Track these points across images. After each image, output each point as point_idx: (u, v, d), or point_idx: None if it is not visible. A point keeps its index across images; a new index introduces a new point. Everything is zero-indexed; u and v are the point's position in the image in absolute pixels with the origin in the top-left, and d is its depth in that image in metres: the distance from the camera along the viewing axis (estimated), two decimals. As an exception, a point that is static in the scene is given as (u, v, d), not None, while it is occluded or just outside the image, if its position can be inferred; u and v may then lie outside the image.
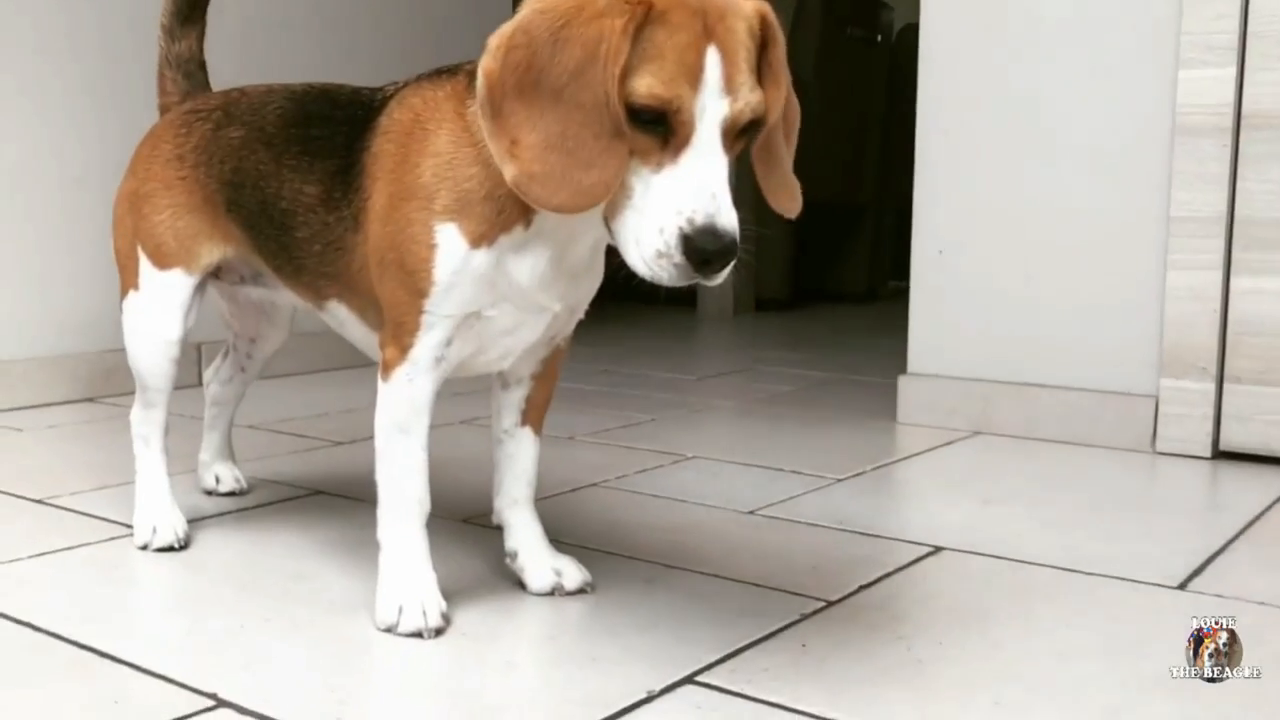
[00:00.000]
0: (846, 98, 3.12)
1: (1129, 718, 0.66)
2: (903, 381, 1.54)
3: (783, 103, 0.69)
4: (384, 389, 0.77)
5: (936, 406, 1.50)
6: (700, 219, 0.61)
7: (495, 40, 0.66)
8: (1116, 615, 0.83)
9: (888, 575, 0.90)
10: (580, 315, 0.83)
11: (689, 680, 0.70)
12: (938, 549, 0.97)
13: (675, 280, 0.63)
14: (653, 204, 0.63)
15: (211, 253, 0.91)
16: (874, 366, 1.97)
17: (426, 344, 0.75)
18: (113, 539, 0.97)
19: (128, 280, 0.94)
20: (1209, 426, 1.32)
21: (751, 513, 1.08)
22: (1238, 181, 1.30)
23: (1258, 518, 1.08)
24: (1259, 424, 1.30)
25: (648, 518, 1.07)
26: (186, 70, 0.99)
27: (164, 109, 0.99)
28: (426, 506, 0.79)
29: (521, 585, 0.86)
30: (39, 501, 1.09)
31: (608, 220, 0.67)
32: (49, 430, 1.44)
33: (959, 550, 0.97)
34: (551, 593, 0.84)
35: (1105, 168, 1.38)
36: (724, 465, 1.28)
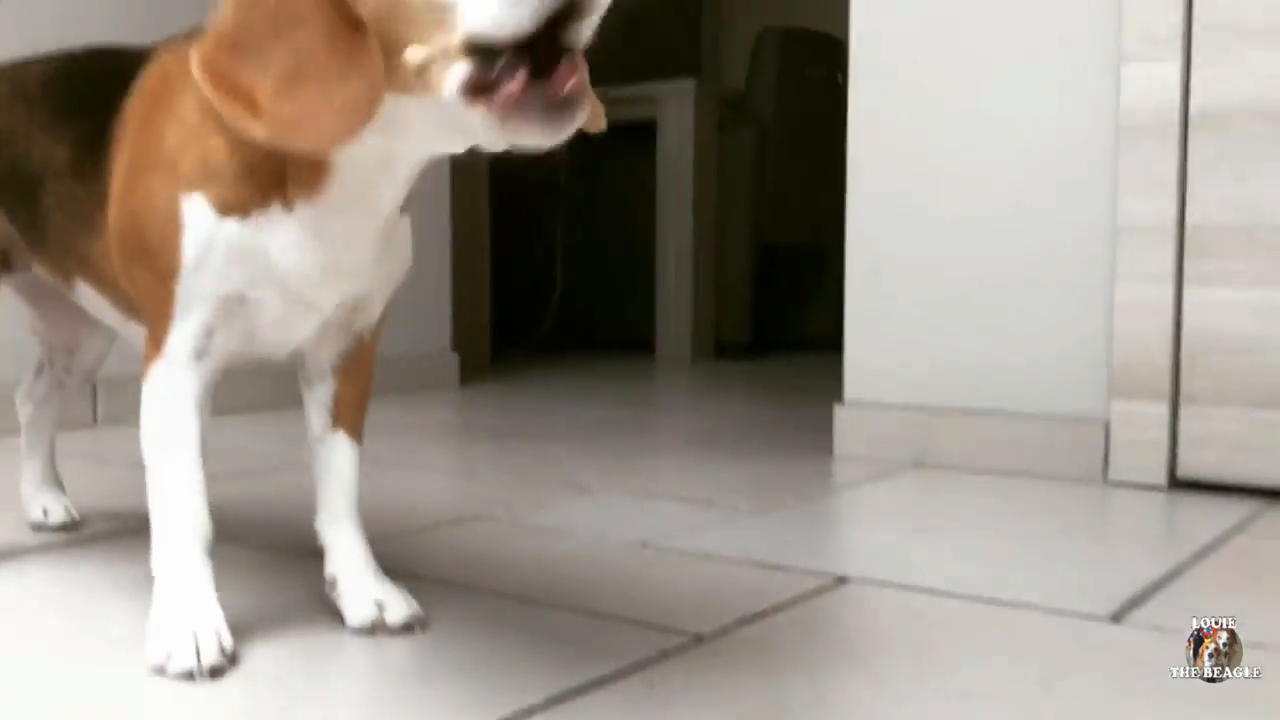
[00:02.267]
0: (807, 139, 3.04)
1: (1027, 768, 0.54)
2: (839, 411, 1.43)
3: None
4: (144, 394, 0.67)
5: (874, 437, 1.38)
6: None
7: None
8: (1034, 651, 0.71)
9: (777, 609, 0.78)
10: (379, 307, 0.72)
11: (498, 727, 0.58)
12: (843, 580, 0.85)
13: (537, 10, 0.49)
14: None
15: None
16: (824, 404, 1.85)
17: (183, 334, 0.65)
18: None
19: None
20: (1164, 453, 1.21)
21: (643, 544, 0.96)
22: (1187, 186, 1.20)
23: (1209, 548, 0.96)
24: (1218, 449, 1.19)
25: (522, 551, 0.94)
26: None
27: None
28: (205, 530, 0.67)
29: (342, 619, 0.73)
30: None
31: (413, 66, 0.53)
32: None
33: (866, 581, 0.85)
34: (372, 630, 0.72)
35: (1045, 174, 1.28)
36: (629, 497, 1.16)
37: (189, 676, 0.63)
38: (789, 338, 3.29)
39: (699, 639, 0.71)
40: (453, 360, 2.23)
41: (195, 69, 0.56)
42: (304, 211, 0.62)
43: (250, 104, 0.55)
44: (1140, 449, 1.21)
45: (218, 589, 0.68)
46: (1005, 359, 1.31)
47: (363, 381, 0.75)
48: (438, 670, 0.66)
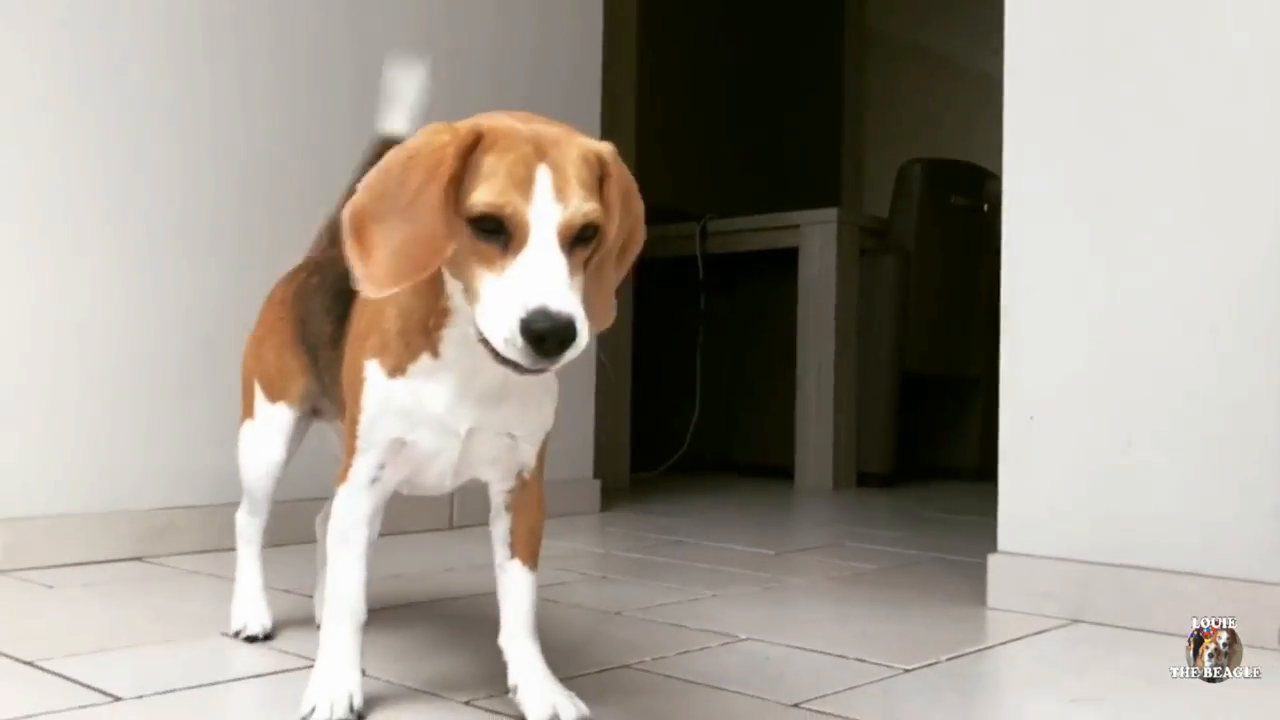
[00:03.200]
0: (951, 268, 3.03)
1: None
2: (993, 561, 1.39)
3: (619, 231, 0.77)
4: (334, 506, 0.87)
5: (1029, 590, 1.34)
6: (534, 303, 0.68)
7: (363, 181, 0.76)
8: None
9: (939, 788, 0.76)
10: (530, 445, 0.87)
11: None
12: (1005, 758, 0.82)
13: (527, 361, 0.69)
14: (500, 300, 0.70)
15: (303, 385, 1.03)
16: (973, 546, 1.81)
17: (361, 466, 0.85)
18: (84, 707, 0.89)
19: (246, 410, 1.08)
20: (1348, 622, 1.14)
21: (797, 705, 0.95)
22: (1366, 341, 1.15)
23: (1407, 734, 0.90)
24: None
25: (671, 708, 0.94)
26: (336, 235, 1.07)
27: None
28: (359, 610, 0.86)
29: (523, 720, 0.81)
30: (28, 663, 1.02)
31: (476, 323, 0.73)
32: (80, 588, 1.39)
33: (1031, 761, 0.82)
34: None
35: (1209, 325, 1.25)
36: (780, 649, 1.14)
37: (321, 728, 0.81)
38: (930, 466, 3.23)
39: (859, 821, 0.70)
40: (594, 487, 2.26)
41: (345, 218, 0.75)
42: (443, 352, 0.81)
43: (366, 255, 0.74)
44: (1320, 616, 1.15)
45: None
46: (1170, 513, 1.26)
47: (534, 516, 0.91)
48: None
